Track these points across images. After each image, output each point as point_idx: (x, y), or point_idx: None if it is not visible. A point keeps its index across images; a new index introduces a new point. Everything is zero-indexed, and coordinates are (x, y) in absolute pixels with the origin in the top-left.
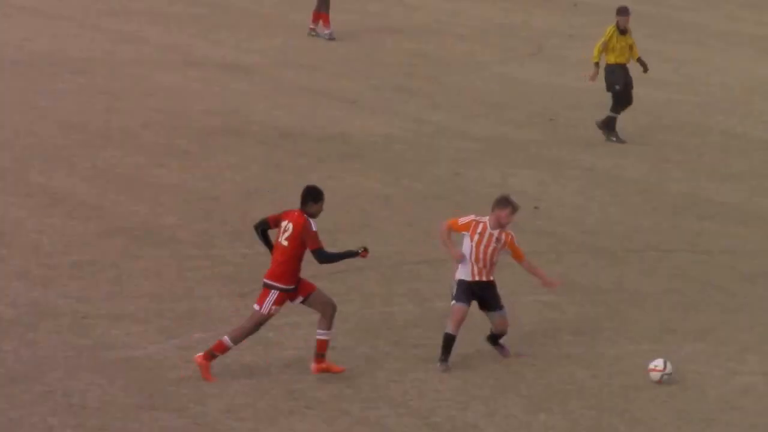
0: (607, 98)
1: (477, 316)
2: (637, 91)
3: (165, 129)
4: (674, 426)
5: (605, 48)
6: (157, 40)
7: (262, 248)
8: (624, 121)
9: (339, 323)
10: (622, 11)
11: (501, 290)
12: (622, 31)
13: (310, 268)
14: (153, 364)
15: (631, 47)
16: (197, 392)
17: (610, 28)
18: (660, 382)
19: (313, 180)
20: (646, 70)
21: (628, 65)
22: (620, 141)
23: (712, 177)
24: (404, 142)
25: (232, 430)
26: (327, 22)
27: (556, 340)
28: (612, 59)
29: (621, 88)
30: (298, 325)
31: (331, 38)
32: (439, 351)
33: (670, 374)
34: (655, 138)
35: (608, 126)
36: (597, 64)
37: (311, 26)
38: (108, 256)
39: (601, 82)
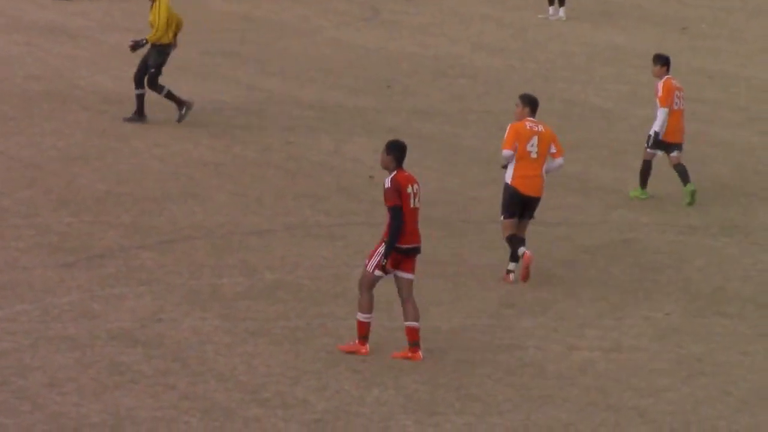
0: None
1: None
2: (473, 58)
3: None
4: (511, 403)
5: None
6: None
7: (87, 216)
8: (460, 87)
9: (166, 295)
10: None
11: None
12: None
13: (143, 236)
14: None
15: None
16: (19, 365)
17: None
18: None
19: (139, 147)
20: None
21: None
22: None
23: None
24: (235, 108)
25: (55, 405)
26: None
27: (390, 313)
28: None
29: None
30: (124, 297)
31: None
32: None
33: None
34: (496, 105)
35: None
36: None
37: None
38: None
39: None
